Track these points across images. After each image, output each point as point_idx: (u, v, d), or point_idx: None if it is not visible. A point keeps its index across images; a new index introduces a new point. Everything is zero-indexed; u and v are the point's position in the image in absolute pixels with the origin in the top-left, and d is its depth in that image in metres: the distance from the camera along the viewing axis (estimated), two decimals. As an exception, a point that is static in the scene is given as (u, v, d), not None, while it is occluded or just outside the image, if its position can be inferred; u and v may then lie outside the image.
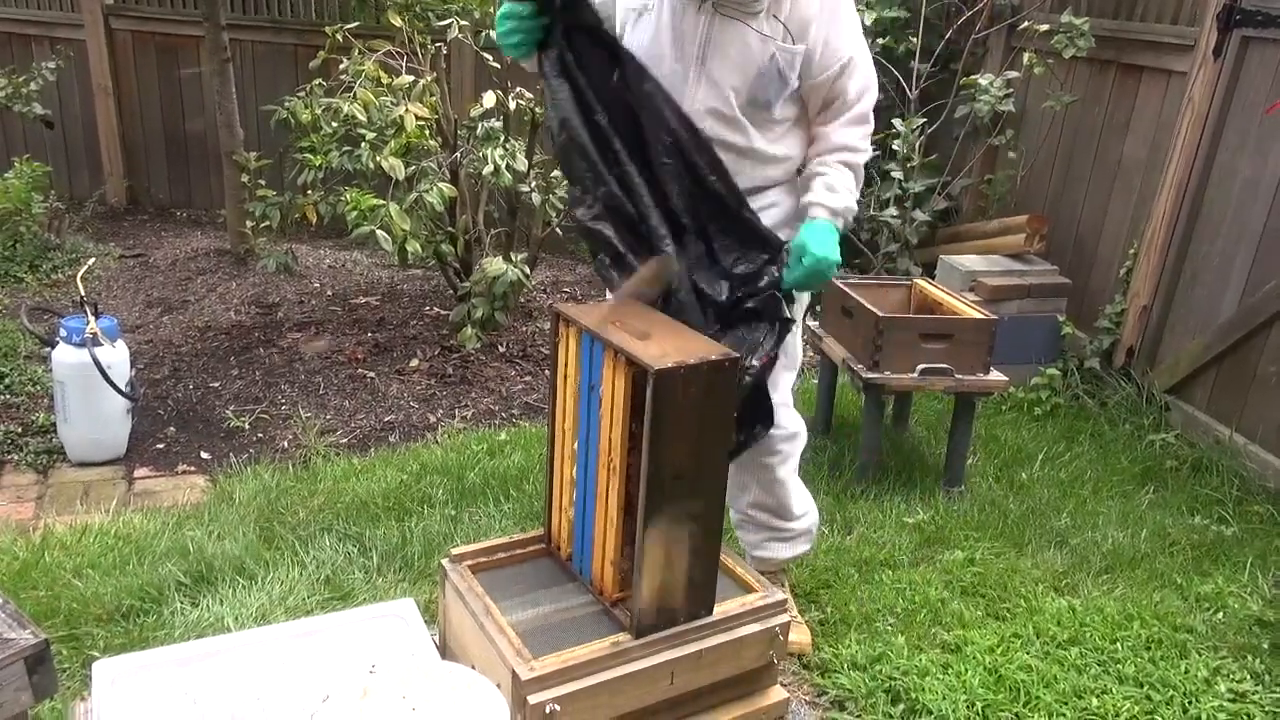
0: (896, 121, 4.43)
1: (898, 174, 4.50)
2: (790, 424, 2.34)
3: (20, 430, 3.30)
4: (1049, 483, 3.32)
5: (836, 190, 2.11)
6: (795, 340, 2.33)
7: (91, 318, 3.11)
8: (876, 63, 4.83)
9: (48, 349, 3.40)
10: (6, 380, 3.58)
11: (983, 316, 3.19)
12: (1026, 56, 4.29)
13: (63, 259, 4.84)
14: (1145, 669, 2.37)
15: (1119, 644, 2.46)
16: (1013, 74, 4.40)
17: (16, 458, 3.17)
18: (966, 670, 2.32)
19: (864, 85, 2.14)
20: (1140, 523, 3.08)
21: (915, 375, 3.13)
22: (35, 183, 4.82)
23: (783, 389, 2.31)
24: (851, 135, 2.14)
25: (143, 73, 5.83)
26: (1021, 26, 4.37)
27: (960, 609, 2.58)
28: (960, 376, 3.13)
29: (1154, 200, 3.80)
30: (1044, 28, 4.17)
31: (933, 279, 3.77)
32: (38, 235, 4.88)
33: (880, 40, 4.61)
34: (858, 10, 4.63)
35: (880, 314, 3.12)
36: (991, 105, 4.40)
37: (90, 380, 3.07)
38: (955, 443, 3.23)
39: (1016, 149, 4.58)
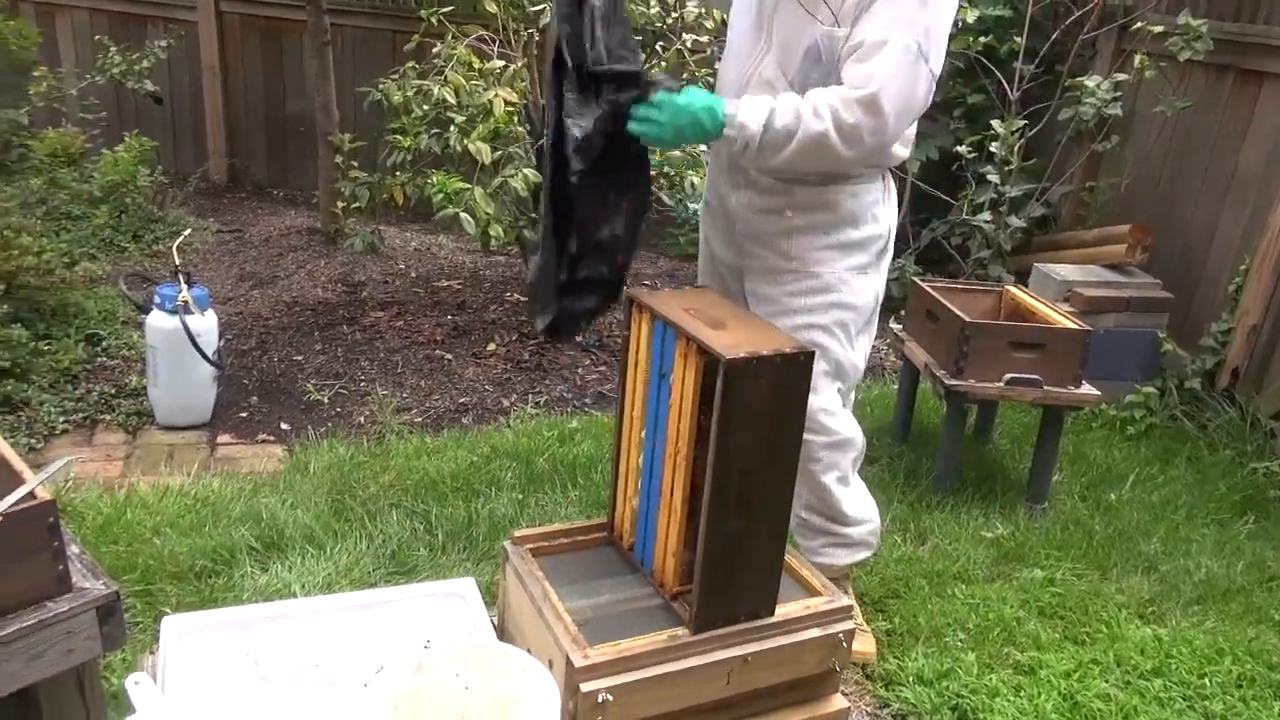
0: (995, 123, 4.29)
1: (994, 178, 4.35)
2: (838, 430, 2.25)
3: (114, 391, 3.42)
4: (1139, 505, 3.17)
5: (780, 110, 1.92)
6: (842, 349, 2.22)
7: (184, 286, 3.20)
8: (976, 62, 4.69)
9: (143, 315, 3.51)
10: (104, 343, 3.72)
11: (1077, 327, 3.06)
12: (1138, 59, 4.10)
13: (164, 231, 5.01)
14: (1235, 707, 2.24)
15: (1207, 679, 2.33)
16: (1122, 77, 4.21)
17: (109, 418, 3.28)
18: (1040, 694, 2.22)
19: (859, 84, 1.93)
20: (1237, 553, 2.91)
21: (1002, 385, 3.01)
22: (143, 156, 5.00)
23: (826, 395, 2.22)
24: (826, 98, 1.92)
25: (248, 54, 6.01)
26: (1134, 27, 4.17)
27: (1036, 630, 2.48)
28: (1050, 389, 3.01)
29: (1269, 214, 3.58)
30: (1158, 29, 3.98)
31: (1025, 287, 3.64)
32: (142, 207, 5.06)
33: (982, 39, 4.46)
34: (962, 6, 4.48)
35: (967, 319, 3.01)
36: (1098, 109, 4.21)
37: (180, 346, 3.16)
38: (1040, 457, 3.11)
39: (1122, 155, 4.38)
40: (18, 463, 1.71)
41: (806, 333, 2.17)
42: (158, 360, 3.22)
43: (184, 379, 3.24)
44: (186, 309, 3.18)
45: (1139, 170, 4.33)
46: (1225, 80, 3.93)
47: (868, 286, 2.22)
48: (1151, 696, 2.26)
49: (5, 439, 1.81)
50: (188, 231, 3.50)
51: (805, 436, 2.19)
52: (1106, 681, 2.29)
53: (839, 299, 2.18)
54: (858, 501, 2.37)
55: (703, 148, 3.95)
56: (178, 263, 3.30)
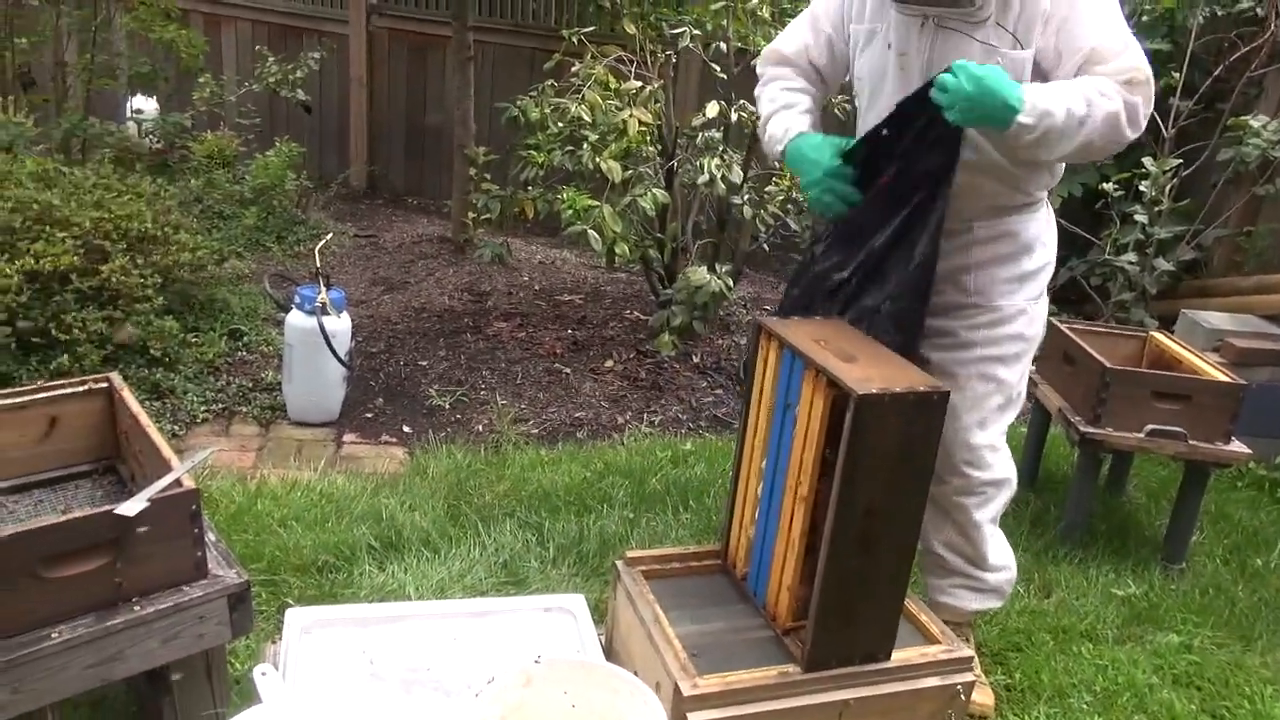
0: (1147, 161, 4.09)
1: (1142, 217, 4.15)
2: (999, 468, 2.20)
3: (251, 385, 3.59)
4: (1289, 574, 2.95)
5: (1061, 97, 1.80)
6: (1018, 378, 2.18)
7: (323, 288, 3.33)
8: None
9: (282, 313, 3.67)
10: (245, 339, 3.91)
11: (1229, 380, 2.87)
12: (1310, 98, 3.85)
13: (306, 233, 5.25)
14: (1394, 806, 2.05)
15: (1363, 771, 2.14)
16: (1291, 117, 3.97)
17: (245, 410, 3.44)
18: (1172, 769, 2.08)
19: (1127, 64, 1.85)
20: (1399, 635, 2.68)
21: (1142, 435, 2.85)
22: (291, 161, 5.26)
23: (993, 429, 2.17)
24: (1105, 84, 1.83)
25: (393, 67, 6.26)
26: (1307, 65, 3.93)
27: (1170, 699, 2.32)
28: (1195, 443, 2.83)
29: None
30: (1335, 67, 3.73)
31: (1171, 333, 3.44)
32: (287, 209, 5.31)
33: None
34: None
35: (1108, 364, 2.87)
36: (1262, 150, 3.97)
37: (315, 346, 3.29)
38: (1181, 515, 2.93)
39: (1286, 200, 4.12)
40: (166, 450, 1.80)
41: (988, 365, 2.13)
42: (293, 358, 3.36)
43: (316, 377, 3.37)
44: (324, 310, 3.31)
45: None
46: None
47: (1041, 315, 2.19)
48: (1298, 785, 2.09)
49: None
50: (329, 235, 3.64)
51: (968, 471, 2.16)
52: (1247, 763, 2.13)
53: (1018, 330, 2.13)
54: (999, 546, 2.30)
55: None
56: (318, 265, 3.44)
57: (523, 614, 2.11)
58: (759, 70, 2.26)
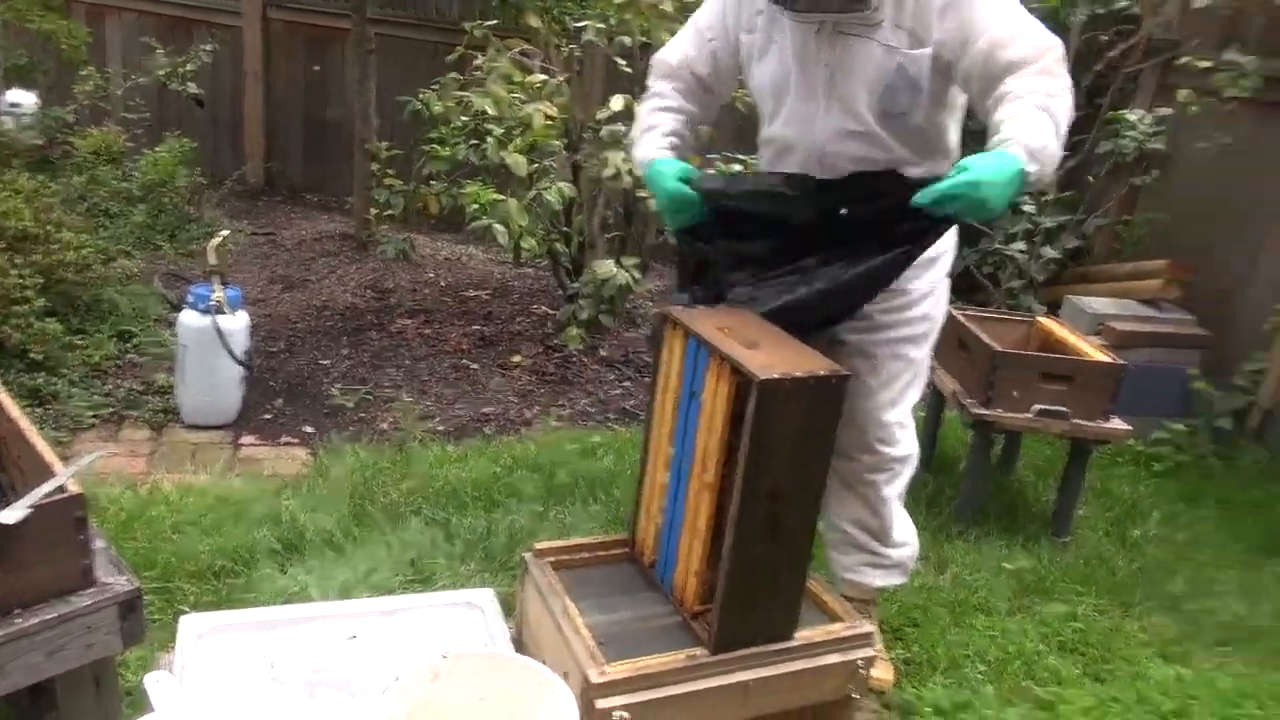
0: (1031, 153, 4.26)
1: (1029, 208, 4.32)
2: (907, 444, 2.26)
3: (142, 388, 3.46)
4: (1164, 543, 3.12)
5: (1033, 129, 1.74)
6: (925, 356, 2.25)
7: (218, 286, 3.24)
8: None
9: (175, 313, 3.55)
10: (135, 340, 3.77)
11: (1110, 361, 3.02)
12: (1182, 94, 4.06)
13: (199, 230, 5.08)
14: (1260, 755, 2.19)
15: (1231, 724, 2.28)
16: (1165, 111, 4.18)
17: (136, 414, 3.32)
18: (1059, 731, 2.19)
19: (1036, 45, 1.84)
20: (1264, 596, 2.86)
21: (1030, 416, 2.98)
22: (183, 157, 5.08)
23: (903, 406, 2.24)
24: (1043, 84, 1.80)
25: (290, 60, 6.10)
26: (1180, 62, 4.14)
27: (1056, 665, 2.44)
28: (1079, 421, 2.97)
29: (1309, 255, 3.54)
30: (1205, 65, 3.94)
31: (1056, 318, 3.60)
32: (179, 207, 5.13)
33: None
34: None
35: (998, 349, 2.99)
36: (1139, 143, 4.18)
37: (210, 346, 3.20)
38: (1066, 491, 3.07)
39: (1161, 190, 4.34)
40: (49, 455, 1.73)
41: (900, 346, 2.18)
42: (187, 359, 3.25)
43: (212, 378, 3.27)
44: (219, 309, 3.22)
45: (1178, 206, 4.29)
46: (1271, 119, 3.89)
47: (944, 296, 2.25)
48: (1174, 739, 2.22)
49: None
50: (225, 233, 3.53)
51: (880, 448, 2.21)
52: (1128, 721, 2.25)
53: (926, 311, 2.20)
54: (904, 523, 2.37)
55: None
56: (213, 263, 3.33)
57: (430, 611, 2.09)
58: (648, 80, 2.27)
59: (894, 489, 2.29)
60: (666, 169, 2.07)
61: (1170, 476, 3.59)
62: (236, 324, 3.28)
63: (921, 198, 1.76)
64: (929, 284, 2.19)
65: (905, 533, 2.37)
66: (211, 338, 3.18)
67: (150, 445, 3.18)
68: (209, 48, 5.51)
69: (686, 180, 2.04)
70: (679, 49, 2.22)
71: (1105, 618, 2.68)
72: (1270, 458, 3.57)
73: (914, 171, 1.99)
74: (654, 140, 2.16)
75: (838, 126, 2.04)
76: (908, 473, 2.31)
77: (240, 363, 3.28)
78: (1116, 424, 3.01)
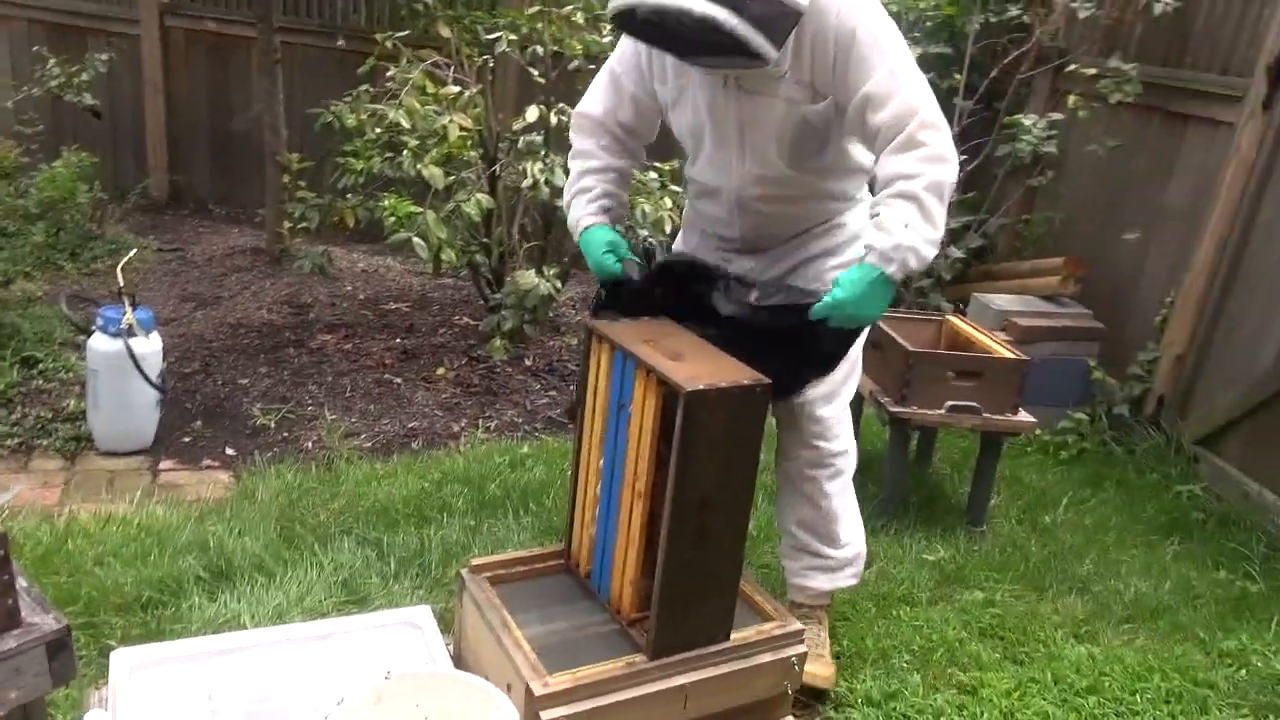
0: (935, 157, 4.42)
1: (934, 209, 4.48)
2: (844, 439, 2.31)
3: (51, 416, 3.34)
4: (1072, 528, 3.28)
5: (887, 229, 1.89)
6: (858, 352, 2.28)
7: (129, 308, 3.15)
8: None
9: (83, 337, 3.44)
10: (41, 366, 3.63)
11: (1014, 356, 3.17)
12: (1071, 99, 4.27)
13: (103, 249, 4.92)
14: (1164, 724, 2.34)
15: (1138, 695, 2.42)
16: (1056, 115, 4.38)
17: (45, 443, 3.21)
18: (982, 713, 2.29)
19: (901, 110, 1.91)
20: (1164, 574, 3.04)
21: (943, 411, 3.10)
22: (82, 172, 4.90)
23: (838, 403, 2.28)
24: (901, 162, 1.91)
25: (193, 70, 5.93)
26: (1068, 69, 4.35)
27: (978, 650, 2.55)
28: (989, 415, 3.11)
29: (1194, 250, 3.76)
30: (1091, 71, 4.16)
31: (964, 316, 3.75)
32: (80, 224, 4.96)
33: (925, 76, 4.61)
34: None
35: (911, 348, 3.10)
36: (1033, 146, 4.38)
37: (123, 370, 3.11)
38: (979, 482, 3.21)
39: (1055, 191, 4.55)
40: (-34, 494, 1.67)
41: None
42: (99, 384, 3.16)
43: (126, 403, 3.19)
44: (130, 332, 3.13)
45: (1072, 205, 4.51)
46: (1152, 122, 4.12)
47: None
48: (1087, 713, 2.34)
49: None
50: (133, 252, 3.44)
51: (817, 444, 2.25)
52: (1045, 700, 2.37)
53: None
54: (852, 524, 2.40)
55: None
56: (122, 284, 3.24)
57: (367, 632, 2.09)
58: (570, 135, 2.27)
59: (836, 485, 2.32)
60: (596, 238, 2.15)
61: (1075, 464, 3.77)
62: (150, 346, 3.20)
63: (813, 314, 1.93)
64: None
65: (851, 531, 2.39)
66: (124, 362, 3.10)
67: (64, 475, 3.08)
68: (105, 57, 5.32)
69: (616, 252, 2.12)
70: (600, 100, 2.23)
71: (1021, 602, 2.81)
72: (1166, 442, 3.77)
73: (835, 203, 2.18)
74: (584, 206, 2.20)
75: (753, 173, 2.12)
76: (849, 469, 2.35)
77: (155, 386, 3.20)
78: (1024, 416, 3.15)
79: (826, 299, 1.92)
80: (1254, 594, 2.96)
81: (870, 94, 1.92)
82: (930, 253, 1.92)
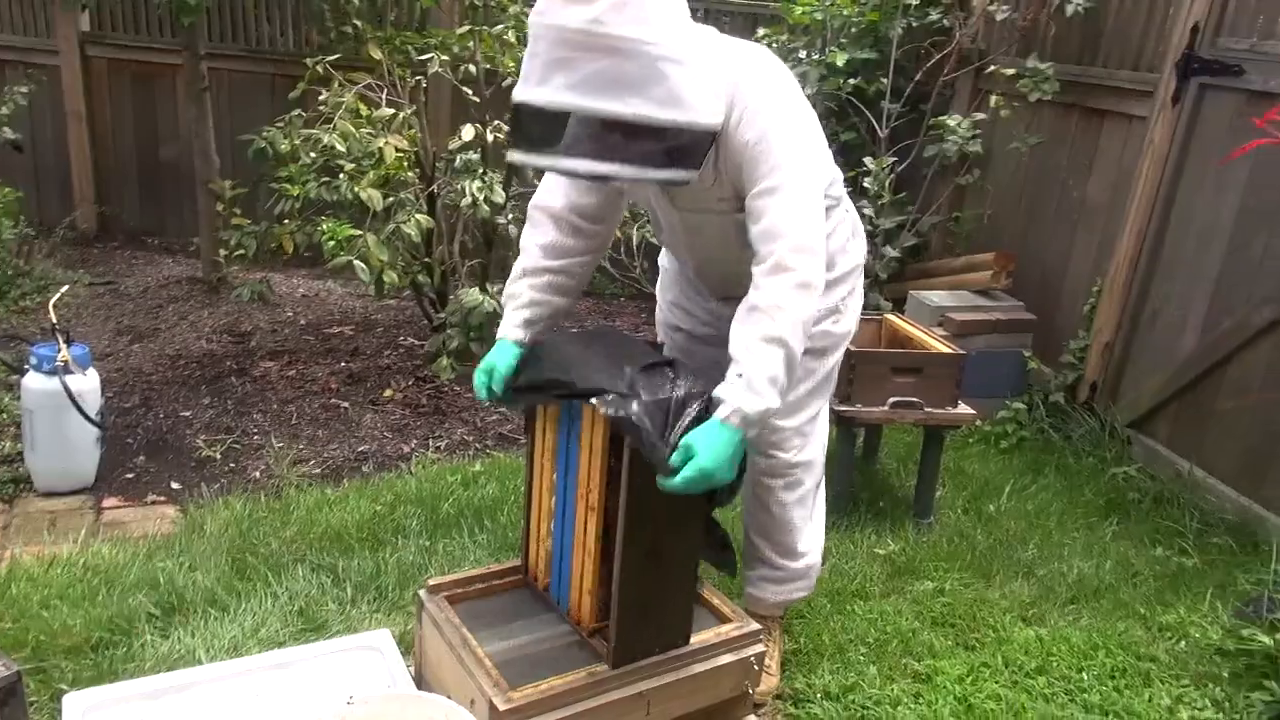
0: (868, 160, 4.53)
1: (869, 211, 4.59)
2: (806, 452, 2.29)
3: (-14, 459, 3.26)
4: (1015, 514, 3.38)
5: (755, 389, 1.79)
6: (829, 367, 2.28)
7: (63, 345, 3.09)
8: (847, 102, 4.92)
9: (16, 376, 3.36)
10: (-28, 408, 3.54)
11: (951, 351, 3.26)
12: (993, 99, 4.41)
13: (31, 285, 4.80)
14: (1110, 698, 2.42)
15: (1085, 673, 2.51)
16: (980, 115, 4.52)
17: (-18, 487, 3.13)
18: (937, 700, 2.36)
19: (774, 229, 1.84)
20: (1105, 554, 3.14)
21: (886, 408, 3.18)
22: (5, 208, 4.78)
23: (801, 415, 2.25)
24: (771, 289, 1.84)
25: (117, 100, 5.82)
26: (988, 70, 4.49)
27: (931, 639, 2.62)
28: (930, 410, 3.19)
29: (1116, 241, 3.90)
30: (1010, 72, 4.30)
31: (902, 314, 3.85)
32: (6, 262, 4.83)
33: (852, 81, 4.72)
34: (831, 51, 4.68)
35: (853, 348, 3.16)
36: (959, 145, 4.50)
37: (60, 409, 3.05)
38: (924, 475, 3.28)
39: (983, 188, 4.69)
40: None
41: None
42: (35, 424, 3.09)
43: (65, 442, 3.12)
44: (66, 369, 3.07)
45: (999, 201, 4.64)
46: (1071, 118, 4.27)
47: (851, 311, 2.30)
48: (1037, 693, 2.42)
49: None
50: (64, 288, 3.37)
51: (773, 453, 2.24)
52: (997, 683, 2.44)
53: (826, 329, 2.23)
54: (812, 535, 2.39)
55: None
56: (54, 321, 3.18)
57: (327, 658, 2.08)
58: (526, 225, 2.14)
59: (793, 496, 2.31)
60: (496, 355, 2.04)
61: (1015, 452, 3.89)
62: (87, 383, 3.13)
63: (663, 485, 1.76)
64: (829, 304, 2.21)
65: (809, 542, 2.39)
66: (61, 400, 3.03)
67: (2, 519, 3.00)
68: (24, 89, 5.19)
69: (491, 377, 2.00)
70: (556, 188, 2.08)
71: (970, 590, 2.89)
72: (1100, 426, 3.90)
73: None
74: (508, 314, 2.10)
75: (706, 255, 2.20)
76: (809, 481, 2.33)
77: (94, 423, 3.14)
78: (964, 409, 3.24)
79: (686, 472, 1.73)
80: (1189, 568, 3.08)
81: (750, 207, 1.89)
82: (780, 404, 1.85)
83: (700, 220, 2.10)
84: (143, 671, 2.20)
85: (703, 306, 2.40)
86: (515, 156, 1.78)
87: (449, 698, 1.82)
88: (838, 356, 2.32)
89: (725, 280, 2.22)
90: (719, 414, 1.79)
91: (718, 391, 1.82)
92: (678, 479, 1.74)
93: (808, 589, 2.46)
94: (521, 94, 1.73)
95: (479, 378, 2.01)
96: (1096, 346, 3.98)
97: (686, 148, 1.77)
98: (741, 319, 1.87)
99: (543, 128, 1.70)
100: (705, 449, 1.75)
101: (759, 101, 1.87)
